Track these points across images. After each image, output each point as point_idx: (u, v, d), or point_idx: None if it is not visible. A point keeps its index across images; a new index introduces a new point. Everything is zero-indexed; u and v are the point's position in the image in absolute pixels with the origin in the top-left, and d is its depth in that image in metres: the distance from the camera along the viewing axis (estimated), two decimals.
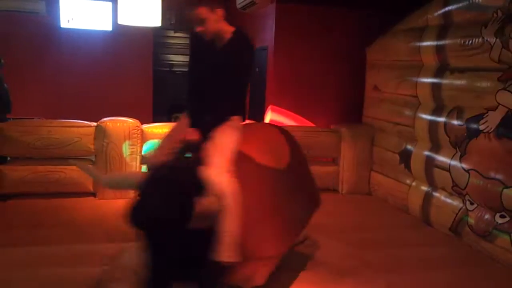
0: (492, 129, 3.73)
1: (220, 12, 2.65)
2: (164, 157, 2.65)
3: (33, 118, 6.49)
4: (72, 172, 4.81)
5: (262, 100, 6.47)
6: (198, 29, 2.66)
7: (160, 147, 2.93)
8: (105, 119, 4.97)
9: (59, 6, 7.91)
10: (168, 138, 2.96)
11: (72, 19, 8.02)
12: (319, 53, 6.14)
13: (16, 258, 3.28)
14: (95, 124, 4.94)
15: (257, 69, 6.79)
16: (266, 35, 6.34)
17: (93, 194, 4.93)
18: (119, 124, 4.90)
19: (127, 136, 4.86)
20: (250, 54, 2.83)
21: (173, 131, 3.00)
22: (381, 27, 5.51)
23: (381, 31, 5.51)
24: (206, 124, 2.71)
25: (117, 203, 4.76)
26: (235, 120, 2.77)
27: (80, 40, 8.20)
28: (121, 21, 5.50)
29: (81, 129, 4.88)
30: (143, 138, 4.98)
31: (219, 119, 2.71)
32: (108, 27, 8.13)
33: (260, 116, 6.46)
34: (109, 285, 2.93)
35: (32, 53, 8.03)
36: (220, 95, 2.74)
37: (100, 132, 4.86)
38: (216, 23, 2.66)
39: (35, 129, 4.79)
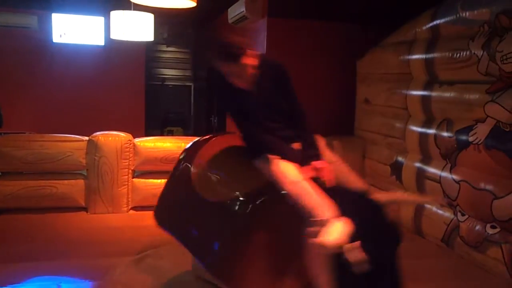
0: (481, 141, 3.78)
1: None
2: None
3: (24, 133, 6.47)
4: (64, 186, 4.80)
5: None
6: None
7: None
8: (97, 133, 4.97)
9: (51, 21, 7.94)
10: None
11: (64, 34, 8.04)
12: (310, 67, 6.19)
13: (7, 274, 3.24)
14: (87, 138, 4.93)
15: None
16: (258, 49, 6.39)
17: (85, 209, 4.91)
18: (111, 138, 4.90)
19: (119, 150, 4.86)
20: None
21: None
22: (371, 40, 5.58)
23: (371, 45, 5.58)
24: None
25: (109, 218, 4.76)
26: None
27: (73, 55, 8.23)
28: (114, 36, 5.54)
29: (73, 143, 4.87)
30: (135, 152, 4.98)
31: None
32: (101, 42, 8.17)
33: None
34: None
35: (24, 68, 8.04)
36: None
37: (92, 146, 4.85)
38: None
39: (27, 143, 4.78)
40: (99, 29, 8.15)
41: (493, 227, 3.66)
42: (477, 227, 3.81)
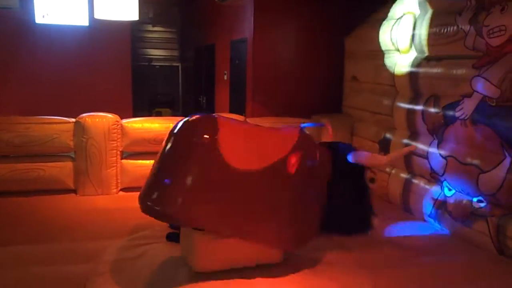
0: (467, 116, 3.80)
1: None
2: None
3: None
4: (52, 169, 4.76)
5: (243, 91, 6.47)
6: None
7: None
8: (84, 114, 4.92)
9: (33, 1, 7.76)
10: None
11: (47, 14, 7.87)
12: (298, 44, 6.16)
13: None
14: (73, 120, 4.88)
15: (237, 61, 6.78)
16: (245, 27, 6.33)
17: (74, 191, 4.88)
18: (98, 119, 4.85)
19: (107, 132, 4.82)
20: None
21: None
22: (359, 17, 5.55)
23: (359, 21, 5.55)
24: None
25: (98, 200, 4.75)
26: None
27: (56, 35, 8.06)
28: (98, 15, 5.43)
29: (59, 125, 4.82)
30: (123, 133, 4.95)
31: None
32: (85, 22, 8.01)
33: (241, 109, 6.46)
34: (94, 279, 2.93)
35: (6, 50, 7.87)
36: None
37: (79, 128, 4.80)
38: None
39: (12, 126, 4.71)
40: (83, 8, 7.97)
41: (479, 201, 3.72)
42: (464, 202, 3.86)
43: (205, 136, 2.92)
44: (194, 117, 3.08)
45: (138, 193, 2.96)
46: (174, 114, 10.03)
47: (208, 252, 2.95)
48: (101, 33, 8.03)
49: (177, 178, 2.83)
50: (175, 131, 3.04)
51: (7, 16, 7.77)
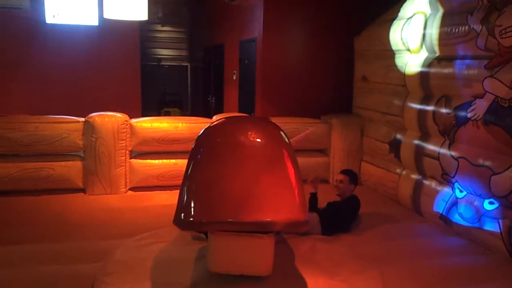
0: (479, 117, 3.75)
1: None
2: None
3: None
4: (61, 168, 4.78)
5: (252, 92, 6.45)
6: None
7: None
8: (93, 114, 4.93)
9: (43, 1, 7.80)
10: None
11: (58, 14, 7.91)
12: (307, 44, 6.13)
13: (6, 257, 3.23)
14: (83, 119, 4.89)
15: (246, 61, 6.77)
16: (255, 27, 6.31)
17: (83, 191, 4.90)
18: (108, 119, 4.86)
19: (116, 131, 4.83)
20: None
21: None
22: (369, 16, 5.51)
23: (369, 21, 5.51)
24: None
25: (107, 199, 4.76)
26: None
27: (66, 35, 8.10)
28: (107, 15, 5.44)
29: (69, 124, 4.84)
30: (132, 132, 4.95)
31: None
32: (95, 22, 8.04)
33: (250, 108, 6.45)
34: (102, 278, 2.93)
35: (17, 50, 7.91)
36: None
37: (88, 128, 4.82)
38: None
39: (22, 125, 4.74)
40: (93, 8, 8.01)
41: (491, 203, 3.67)
42: (476, 203, 3.81)
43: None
44: (249, 121, 3.50)
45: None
46: (183, 114, 10.03)
47: (272, 254, 2.86)
48: (111, 32, 8.05)
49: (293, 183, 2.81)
50: (245, 137, 2.93)
51: (17, 16, 7.81)
